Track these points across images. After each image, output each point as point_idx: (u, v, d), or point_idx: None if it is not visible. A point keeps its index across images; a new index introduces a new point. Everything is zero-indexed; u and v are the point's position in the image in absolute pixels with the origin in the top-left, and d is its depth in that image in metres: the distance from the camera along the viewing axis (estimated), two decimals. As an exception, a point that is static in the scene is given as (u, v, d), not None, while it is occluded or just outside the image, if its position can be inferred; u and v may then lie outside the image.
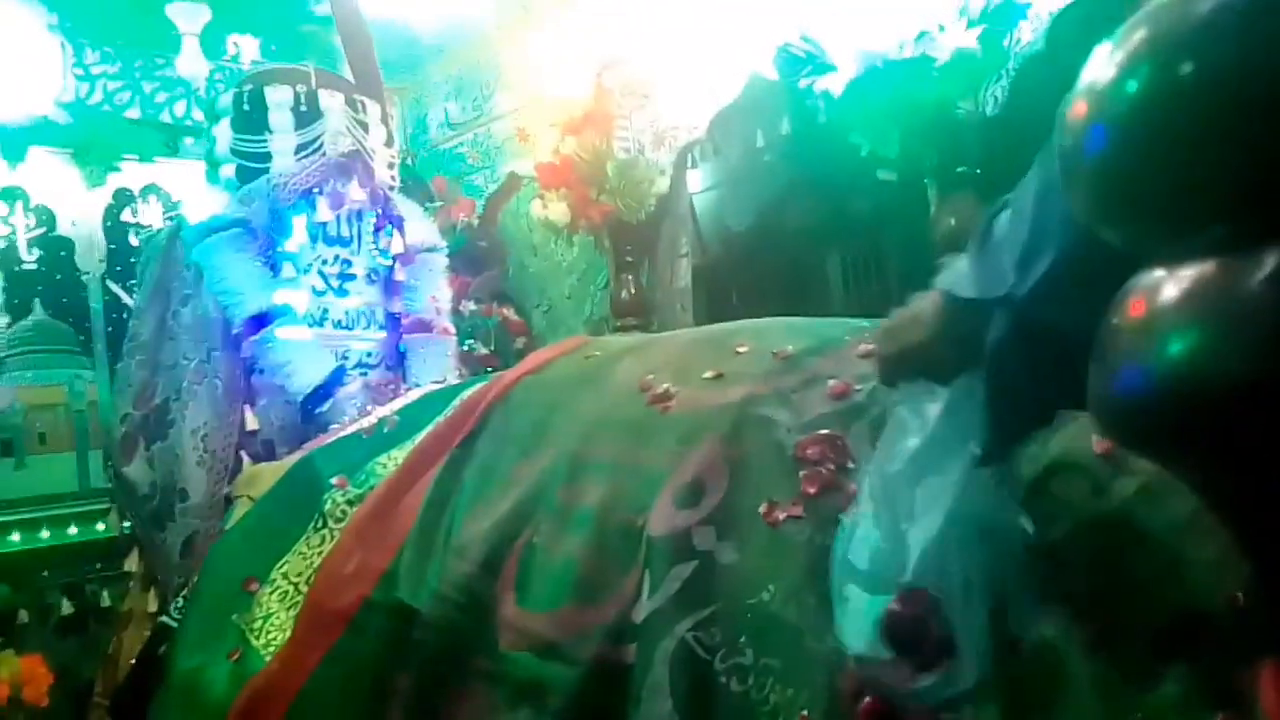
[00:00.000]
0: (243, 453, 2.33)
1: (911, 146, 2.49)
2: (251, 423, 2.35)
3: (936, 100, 2.40)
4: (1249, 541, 0.63)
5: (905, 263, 2.58)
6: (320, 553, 1.64)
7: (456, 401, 1.83)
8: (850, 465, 1.21)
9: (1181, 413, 0.58)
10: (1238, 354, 0.55)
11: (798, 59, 2.64)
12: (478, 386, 1.86)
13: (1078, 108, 0.63)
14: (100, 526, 3.12)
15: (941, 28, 2.35)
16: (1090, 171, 0.65)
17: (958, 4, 2.32)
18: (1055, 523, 1.01)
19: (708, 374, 1.44)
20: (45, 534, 3.23)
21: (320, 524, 1.69)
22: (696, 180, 3.09)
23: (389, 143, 2.86)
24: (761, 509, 1.18)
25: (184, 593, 1.90)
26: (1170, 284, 0.58)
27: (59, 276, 3.55)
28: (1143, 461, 1.13)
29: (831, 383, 1.32)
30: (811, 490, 1.18)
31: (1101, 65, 0.63)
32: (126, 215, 3.67)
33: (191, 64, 3.37)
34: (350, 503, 1.70)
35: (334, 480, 1.77)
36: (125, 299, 3.44)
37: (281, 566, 1.66)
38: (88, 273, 3.48)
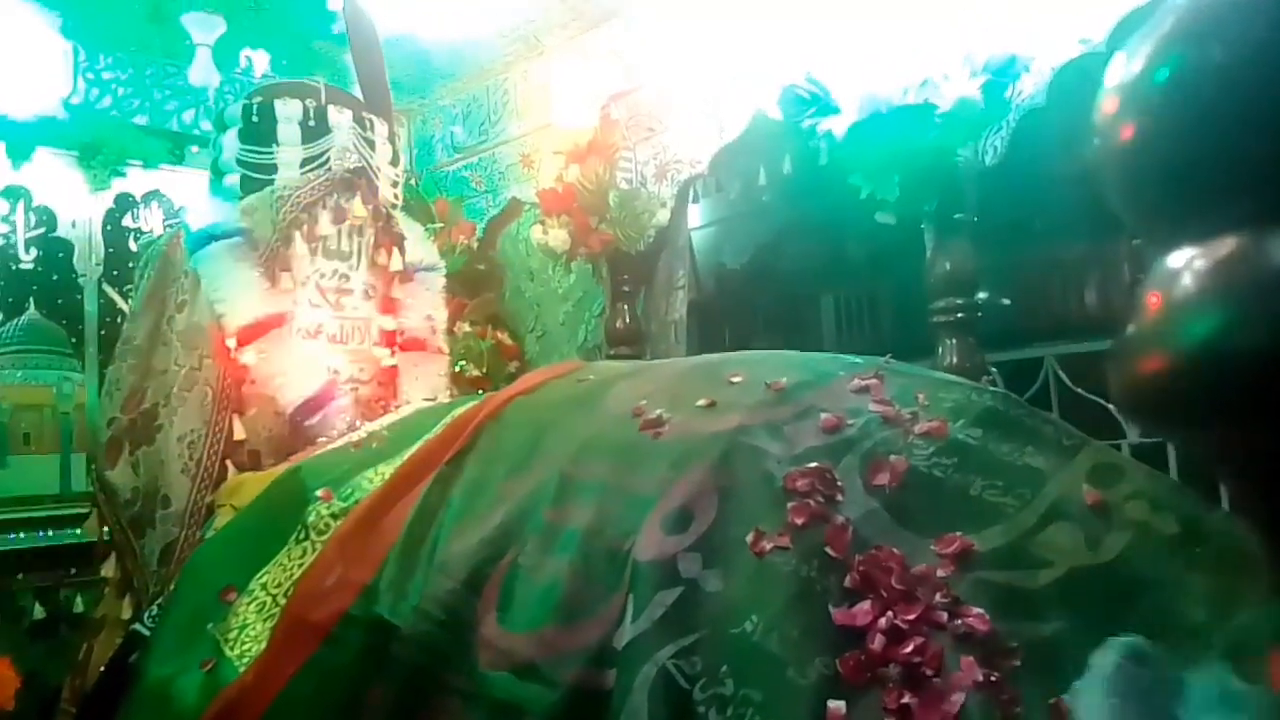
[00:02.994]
0: (229, 462, 2.32)
1: (910, 191, 2.51)
2: (239, 432, 2.34)
3: (937, 147, 2.43)
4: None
5: (899, 306, 2.60)
6: (301, 565, 1.62)
7: (447, 419, 1.82)
8: (839, 499, 1.21)
9: (1210, 390, 0.58)
10: (1265, 328, 0.55)
11: (802, 99, 2.67)
12: (469, 405, 1.85)
13: (1109, 103, 0.64)
14: (78, 531, 3.09)
15: (946, 76, 2.39)
16: (1121, 160, 0.65)
17: (962, 54, 2.35)
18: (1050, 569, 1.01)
19: (701, 402, 1.44)
20: (21, 536, 3.19)
21: (303, 536, 1.68)
22: (696, 215, 3.11)
23: (394, 161, 2.88)
24: (749, 538, 1.18)
25: (159, 600, 1.88)
26: (1197, 263, 0.58)
27: (55, 277, 3.54)
28: (1131, 513, 1.14)
29: (823, 416, 1.33)
30: (799, 521, 1.18)
31: (1130, 59, 0.64)
32: (127, 220, 3.68)
33: (203, 74, 3.39)
34: (335, 516, 1.68)
35: (319, 492, 1.76)
36: (121, 303, 3.44)
37: (261, 577, 1.65)
38: (84, 275, 3.47)
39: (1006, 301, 2.64)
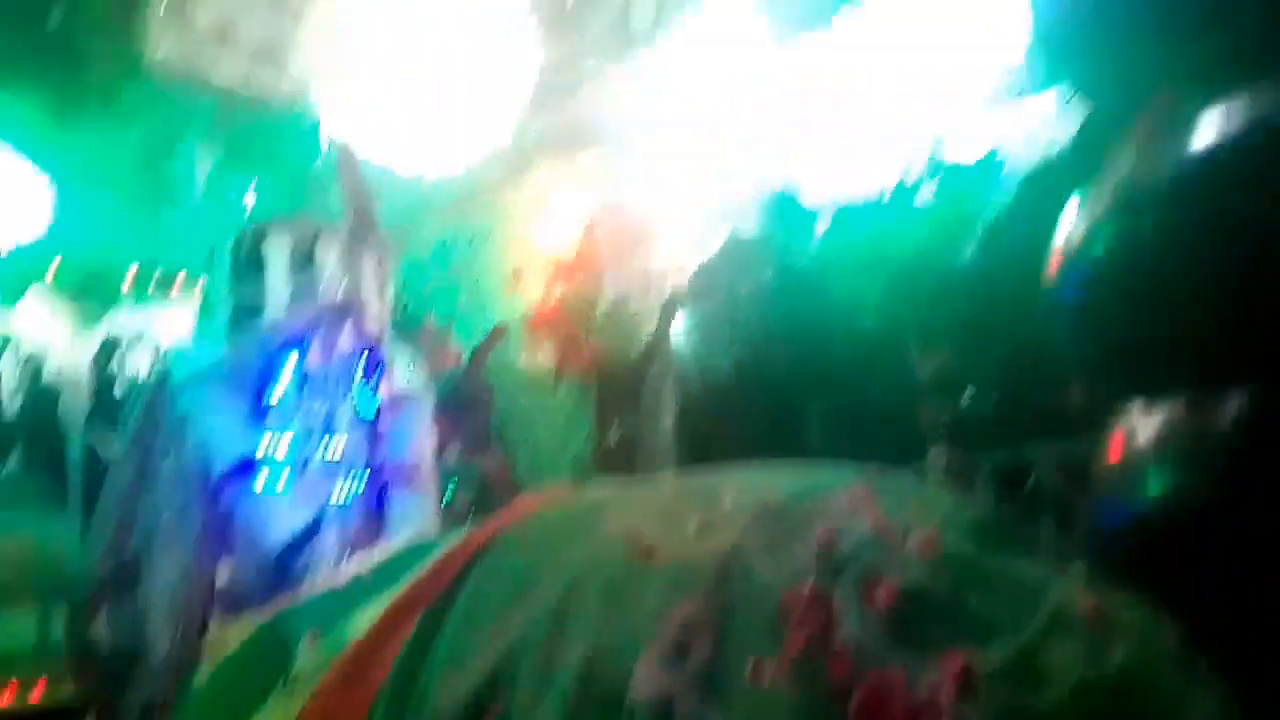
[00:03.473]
0: (213, 610, 2.26)
1: (891, 296, 2.55)
2: (224, 579, 2.29)
3: (914, 252, 2.47)
4: (1234, 668, 0.62)
5: (886, 410, 2.59)
6: (286, 717, 1.56)
7: (434, 554, 1.78)
8: (837, 620, 1.18)
9: (1164, 543, 0.60)
10: (1209, 488, 0.57)
11: (781, 208, 2.73)
12: (457, 540, 1.81)
13: (1054, 269, 0.67)
14: (58, 688, 2.98)
15: (919, 181, 2.45)
16: (1068, 322, 0.68)
17: (935, 158, 2.42)
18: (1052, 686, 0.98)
19: (693, 525, 1.41)
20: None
21: (287, 686, 1.61)
22: (680, 327, 3.13)
23: (382, 290, 2.90)
24: (748, 668, 1.14)
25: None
26: (1145, 427, 0.61)
27: (40, 425, 3.53)
28: (1130, 621, 1.11)
29: (817, 533, 1.30)
30: (798, 647, 1.14)
31: (1072, 222, 0.67)
32: (115, 363, 3.69)
33: (192, 214, 3.46)
34: (321, 663, 1.62)
35: (304, 640, 1.70)
36: (105, 451, 3.41)
37: (246, 733, 1.58)
38: (69, 423, 3.46)
39: (993, 399, 2.64)
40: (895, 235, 2.42)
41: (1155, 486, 0.59)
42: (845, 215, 2.50)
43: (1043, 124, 2.23)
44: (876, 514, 1.33)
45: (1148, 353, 0.61)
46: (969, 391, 2.34)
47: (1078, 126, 2.03)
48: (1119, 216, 0.64)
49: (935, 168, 2.39)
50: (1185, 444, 0.58)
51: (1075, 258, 0.66)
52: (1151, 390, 0.60)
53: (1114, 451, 0.62)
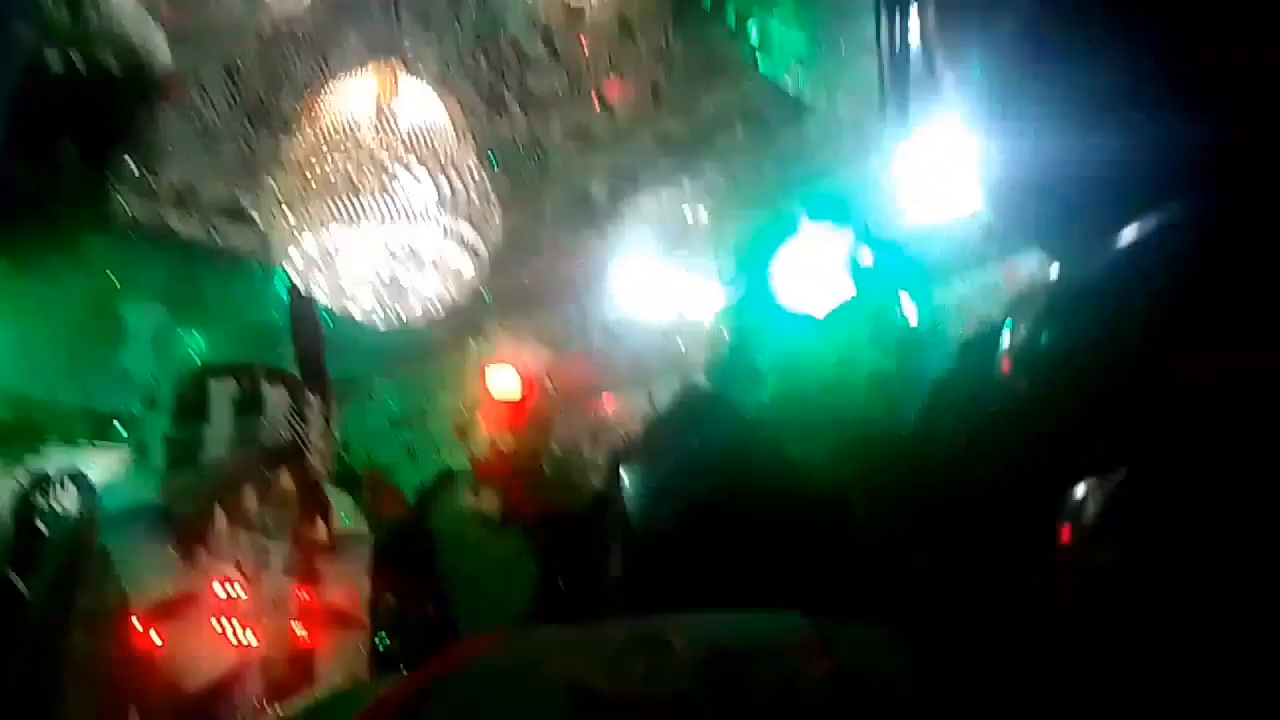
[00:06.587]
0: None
1: (837, 458, 2.59)
2: (135, 723, 2.14)
3: (858, 415, 2.54)
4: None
5: (834, 569, 2.58)
6: None
7: (364, 703, 1.69)
8: (788, 768, 1.14)
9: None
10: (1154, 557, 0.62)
11: (731, 367, 2.79)
12: (389, 688, 1.74)
13: (1005, 366, 0.75)
14: None
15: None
16: (1017, 415, 0.75)
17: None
18: None
19: (640, 669, 1.38)
20: None
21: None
22: (628, 482, 3.13)
23: (326, 433, 2.88)
24: (696, 818, 1.09)
25: None
26: (1093, 496, 0.66)
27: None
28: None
29: (767, 682, 1.28)
30: (748, 798, 1.10)
31: (1016, 332, 0.75)
32: (41, 501, 3.54)
33: (138, 358, 3.43)
34: (236, 818, 1.51)
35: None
36: (22, 588, 3.22)
37: None
38: (-14, 558, 3.28)
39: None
40: (841, 389, 2.48)
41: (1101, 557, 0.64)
42: (791, 357, 2.55)
43: (980, 295, 2.37)
44: (829, 661, 1.32)
45: (1090, 437, 0.68)
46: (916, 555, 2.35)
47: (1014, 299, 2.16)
48: (1048, 322, 0.73)
49: (881, 313, 2.48)
50: (1126, 516, 0.64)
51: (1017, 356, 0.74)
52: (1098, 473, 0.66)
53: (1064, 532, 0.67)
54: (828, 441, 2.64)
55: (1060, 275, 0.76)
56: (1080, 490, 0.68)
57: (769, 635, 1.43)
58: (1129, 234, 0.69)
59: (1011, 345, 0.78)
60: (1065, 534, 0.69)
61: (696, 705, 1.27)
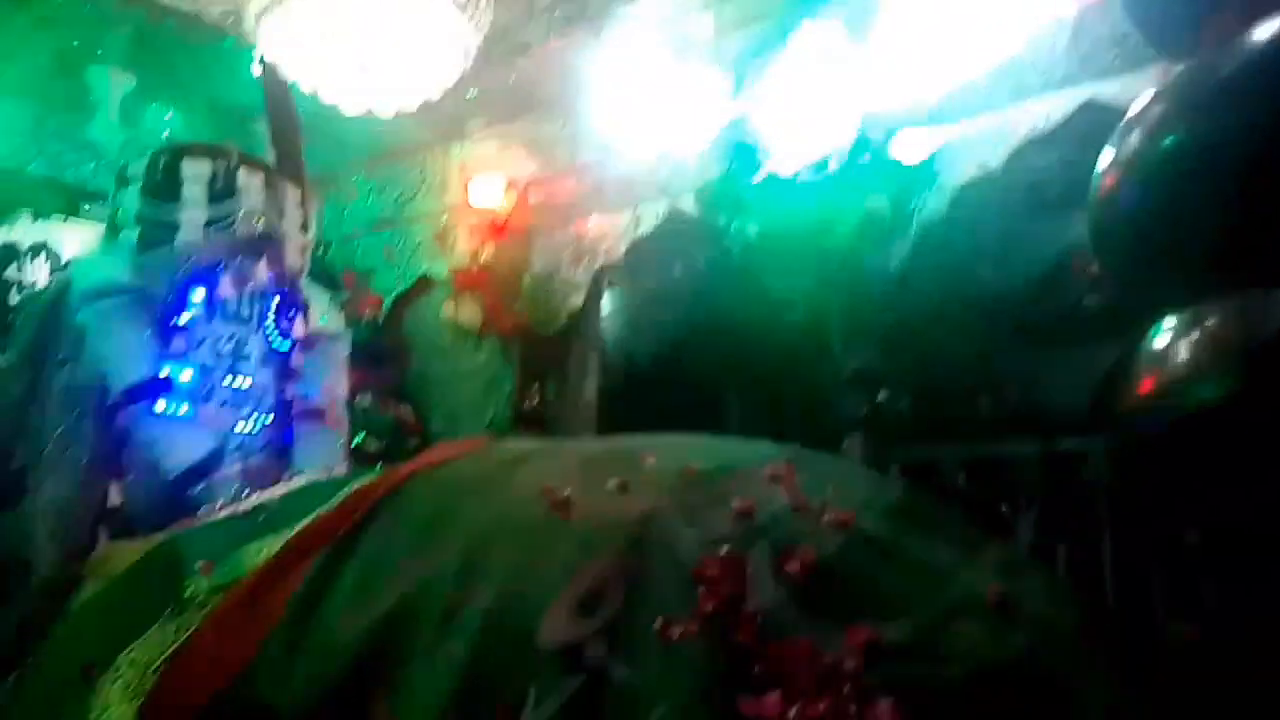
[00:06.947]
0: (102, 529, 2.17)
1: (820, 294, 2.60)
2: (116, 498, 2.20)
3: (846, 252, 2.53)
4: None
5: (804, 404, 2.64)
6: (175, 641, 1.51)
7: (343, 493, 1.74)
8: (749, 587, 1.20)
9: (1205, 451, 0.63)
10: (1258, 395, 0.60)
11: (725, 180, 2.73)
12: (367, 479, 1.78)
13: (1111, 174, 0.71)
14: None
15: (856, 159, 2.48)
16: (1117, 224, 0.71)
17: (878, 147, 2.47)
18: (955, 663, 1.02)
19: (612, 484, 1.42)
20: None
21: (177, 610, 1.56)
22: (609, 303, 3.13)
23: (304, 228, 2.82)
24: (657, 625, 1.15)
25: (13, 676, 1.72)
26: (1192, 330, 0.63)
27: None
28: (1032, 609, 1.16)
29: (735, 503, 1.32)
30: (709, 609, 1.16)
31: (1130, 133, 0.70)
32: (10, 272, 3.49)
33: (106, 130, 3.30)
34: (215, 590, 1.58)
35: (199, 565, 1.65)
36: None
37: (129, 653, 1.52)
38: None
39: (903, 404, 2.73)
40: (830, 229, 2.47)
41: (1205, 394, 0.62)
42: (782, 190, 2.51)
43: (981, 140, 2.31)
44: (795, 489, 1.37)
45: (1198, 255, 0.64)
46: (885, 392, 2.41)
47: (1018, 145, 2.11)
48: (1182, 118, 0.67)
49: (877, 157, 2.43)
50: (1235, 348, 0.61)
51: (1136, 162, 0.68)
52: (1192, 298, 0.63)
53: (1146, 381, 0.65)
54: (812, 276, 2.65)
55: (1192, 72, 0.70)
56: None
57: (740, 460, 1.48)
58: (1263, 31, 0.65)
59: (1130, 150, 0.72)
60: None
61: (665, 520, 1.33)
